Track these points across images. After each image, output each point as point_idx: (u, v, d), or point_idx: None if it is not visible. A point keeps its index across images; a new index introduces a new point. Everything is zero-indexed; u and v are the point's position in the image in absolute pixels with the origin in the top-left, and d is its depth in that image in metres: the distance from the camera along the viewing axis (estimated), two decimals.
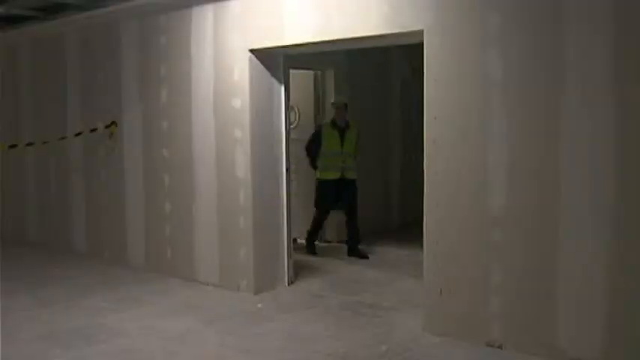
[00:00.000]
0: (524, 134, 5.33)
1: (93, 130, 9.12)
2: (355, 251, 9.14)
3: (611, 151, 4.92)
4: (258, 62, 7.27)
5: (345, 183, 9.03)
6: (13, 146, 10.50)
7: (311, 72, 9.87)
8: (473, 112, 5.59)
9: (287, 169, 7.61)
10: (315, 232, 9.42)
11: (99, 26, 9.06)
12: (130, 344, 5.94)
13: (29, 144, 10.23)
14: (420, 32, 5.83)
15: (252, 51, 7.19)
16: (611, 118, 4.90)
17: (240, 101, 7.27)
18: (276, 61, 7.45)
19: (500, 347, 5.52)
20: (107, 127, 8.96)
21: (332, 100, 9.42)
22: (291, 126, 8.46)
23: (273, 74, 7.45)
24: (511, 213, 5.43)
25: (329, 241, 9.96)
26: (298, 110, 9.95)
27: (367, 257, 9.01)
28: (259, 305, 7.00)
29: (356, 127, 9.15)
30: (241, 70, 7.26)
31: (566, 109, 5.08)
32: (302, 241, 9.46)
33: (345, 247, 9.27)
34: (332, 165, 9.02)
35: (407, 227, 10.66)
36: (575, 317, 5.16)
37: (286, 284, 7.52)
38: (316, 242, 9.54)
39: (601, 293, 5.03)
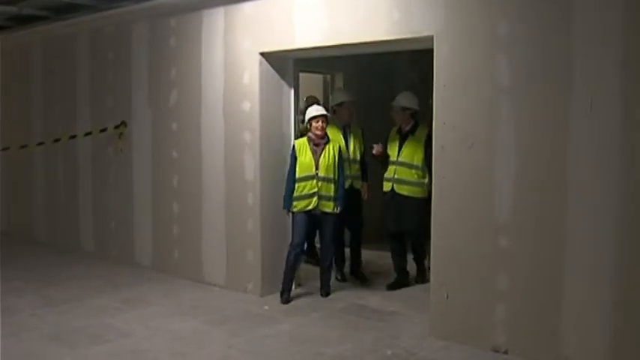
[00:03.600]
0: (531, 141, 5.33)
1: (102, 131, 9.16)
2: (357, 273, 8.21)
3: (618, 159, 4.92)
4: (268, 65, 7.29)
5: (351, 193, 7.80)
6: (23, 147, 10.57)
7: (320, 76, 9.89)
8: (481, 119, 5.61)
9: None
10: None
11: (110, 27, 9.11)
12: (137, 344, 5.97)
13: (40, 144, 10.29)
14: (430, 38, 5.84)
15: (262, 54, 7.22)
16: (619, 126, 4.90)
17: (250, 104, 7.30)
18: (286, 64, 7.47)
19: (505, 353, 5.53)
20: (116, 127, 8.99)
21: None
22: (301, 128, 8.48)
23: (283, 77, 7.47)
24: (518, 220, 5.44)
25: None
26: None
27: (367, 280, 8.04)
28: (266, 307, 7.02)
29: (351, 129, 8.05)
30: (251, 73, 7.28)
31: (574, 117, 5.09)
32: None
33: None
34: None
35: None
36: (581, 324, 5.16)
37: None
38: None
39: (607, 300, 5.03)
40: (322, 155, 7.16)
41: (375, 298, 7.32)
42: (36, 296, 7.51)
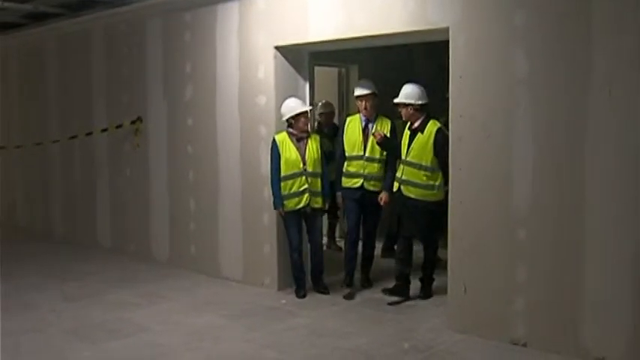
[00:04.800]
0: (550, 132, 5.29)
1: (118, 127, 9.19)
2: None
3: (638, 149, 4.87)
4: (283, 59, 7.28)
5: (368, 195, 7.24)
6: (39, 144, 10.63)
7: (335, 69, 9.86)
8: (498, 110, 5.56)
9: None
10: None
11: (124, 23, 9.12)
12: (154, 339, 5.98)
13: (56, 141, 10.33)
14: (446, 30, 5.80)
15: (277, 48, 7.20)
16: (638, 115, 4.85)
17: (266, 98, 7.29)
18: (301, 57, 7.45)
19: (524, 345, 5.49)
20: (132, 123, 9.01)
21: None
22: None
23: (298, 71, 7.45)
24: (536, 211, 5.39)
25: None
26: None
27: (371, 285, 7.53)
28: (283, 301, 7.02)
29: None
30: (266, 67, 7.27)
31: (593, 107, 5.03)
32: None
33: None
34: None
35: None
36: (601, 316, 5.11)
37: (310, 281, 7.52)
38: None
39: (627, 292, 4.98)
40: (307, 150, 6.99)
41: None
42: (55, 292, 7.55)
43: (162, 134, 8.68)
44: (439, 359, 5.42)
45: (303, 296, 7.13)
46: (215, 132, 7.89)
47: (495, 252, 5.65)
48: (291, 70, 7.38)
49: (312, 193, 7.00)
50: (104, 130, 9.43)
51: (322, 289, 7.25)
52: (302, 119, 6.95)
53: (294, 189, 6.94)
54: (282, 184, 6.96)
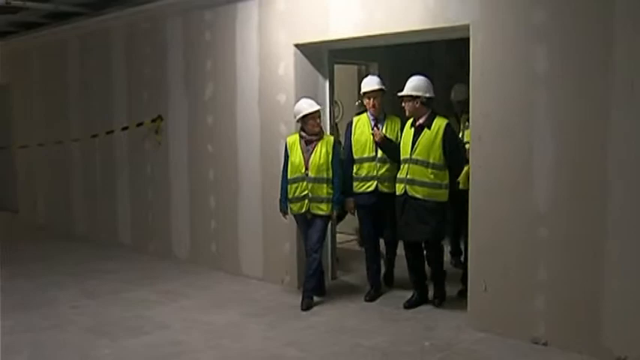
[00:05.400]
0: (571, 129, 5.24)
1: (139, 125, 9.23)
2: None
3: None
4: (303, 57, 7.28)
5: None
6: (59, 142, 10.70)
7: (355, 66, 9.84)
8: (519, 108, 5.52)
9: None
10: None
11: (145, 21, 9.16)
12: (175, 337, 6.00)
13: (76, 140, 10.40)
14: (466, 27, 5.77)
15: (297, 46, 7.20)
16: None
17: (286, 96, 7.29)
18: (320, 55, 7.45)
19: (545, 344, 5.45)
20: (153, 121, 9.05)
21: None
22: (336, 120, 8.43)
23: (318, 69, 7.44)
24: (557, 209, 5.34)
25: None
26: (342, 105, 9.91)
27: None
28: None
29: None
30: (286, 65, 7.27)
31: (615, 106, 4.98)
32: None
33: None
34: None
35: None
36: (622, 315, 5.06)
37: (329, 279, 7.51)
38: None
39: None
40: (313, 154, 6.67)
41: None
42: (75, 289, 7.60)
43: (182, 132, 8.71)
44: (459, 357, 5.40)
45: (322, 294, 7.04)
46: (235, 130, 7.90)
47: (516, 250, 5.61)
48: (311, 67, 7.38)
49: (313, 200, 6.68)
50: (125, 128, 9.48)
51: (307, 294, 6.81)
52: (310, 121, 6.66)
53: (297, 193, 6.73)
54: (288, 187, 6.81)
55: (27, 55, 11.99)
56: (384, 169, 6.76)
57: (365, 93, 6.86)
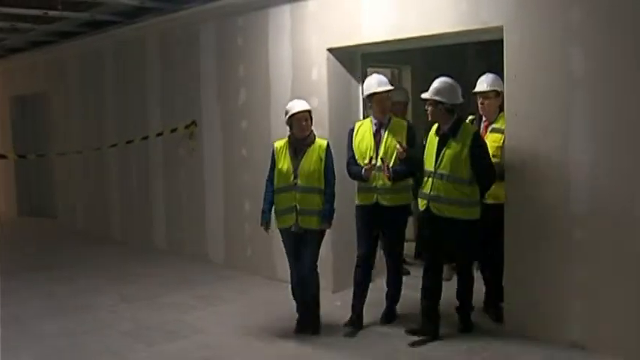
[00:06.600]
0: (607, 130, 5.18)
1: (173, 130, 9.30)
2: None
3: None
4: (335, 61, 7.29)
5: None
6: (97, 149, 10.83)
7: (387, 69, 9.82)
8: (555, 110, 5.47)
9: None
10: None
11: (178, 29, 9.25)
12: (211, 341, 6.05)
13: (112, 145, 10.51)
14: (499, 28, 5.74)
15: (329, 50, 7.21)
16: None
17: (318, 100, 7.29)
18: (353, 59, 7.45)
19: (582, 348, 5.39)
20: (187, 127, 9.12)
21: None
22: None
23: (351, 72, 7.45)
24: (594, 211, 5.29)
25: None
26: None
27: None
28: (337, 303, 7.00)
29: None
30: (319, 69, 7.29)
31: None
32: None
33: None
34: None
35: None
36: None
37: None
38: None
39: None
40: (303, 161, 5.96)
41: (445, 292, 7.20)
42: (113, 294, 7.68)
43: (216, 137, 8.76)
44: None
45: (299, 331, 6.18)
46: (269, 134, 7.92)
47: (553, 253, 5.56)
48: (344, 71, 7.39)
49: (303, 212, 5.94)
50: (159, 134, 9.56)
51: (310, 326, 6.15)
52: (295, 123, 5.94)
53: (285, 205, 6.01)
54: (275, 197, 6.10)
55: (64, 64, 12.17)
56: (384, 180, 6.05)
57: (370, 95, 6.16)
